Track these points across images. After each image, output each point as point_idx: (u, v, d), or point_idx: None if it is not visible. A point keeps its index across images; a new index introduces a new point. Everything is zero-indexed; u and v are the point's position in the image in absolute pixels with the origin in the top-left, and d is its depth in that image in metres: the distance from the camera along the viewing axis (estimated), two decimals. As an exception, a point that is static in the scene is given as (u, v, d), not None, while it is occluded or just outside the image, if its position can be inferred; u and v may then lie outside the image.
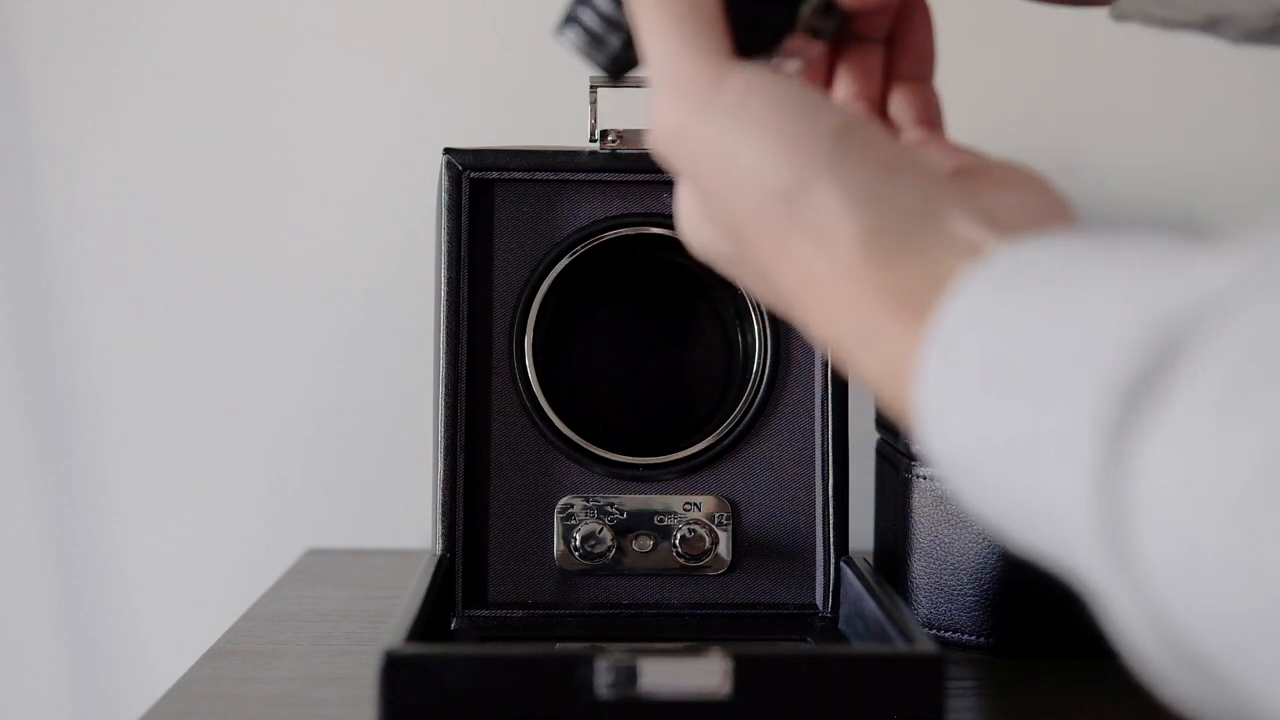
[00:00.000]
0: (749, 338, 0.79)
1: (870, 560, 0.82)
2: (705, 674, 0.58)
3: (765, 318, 0.79)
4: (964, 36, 0.88)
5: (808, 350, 0.79)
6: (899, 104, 0.59)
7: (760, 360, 0.79)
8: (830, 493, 0.78)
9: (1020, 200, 0.49)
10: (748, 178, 0.50)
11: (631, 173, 0.78)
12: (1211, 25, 0.72)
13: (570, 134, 0.81)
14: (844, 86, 0.58)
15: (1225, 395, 0.36)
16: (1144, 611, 0.39)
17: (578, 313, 0.80)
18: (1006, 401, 0.42)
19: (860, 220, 0.48)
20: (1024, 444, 0.42)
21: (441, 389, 0.77)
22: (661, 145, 0.52)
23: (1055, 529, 0.42)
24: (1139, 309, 0.39)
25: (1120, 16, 0.70)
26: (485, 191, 0.78)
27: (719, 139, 0.50)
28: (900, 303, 0.47)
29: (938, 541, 0.78)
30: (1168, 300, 0.39)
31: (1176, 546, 0.37)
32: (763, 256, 0.51)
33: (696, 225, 0.55)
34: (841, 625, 0.76)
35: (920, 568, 0.78)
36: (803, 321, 0.52)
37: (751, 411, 0.79)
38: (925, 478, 0.78)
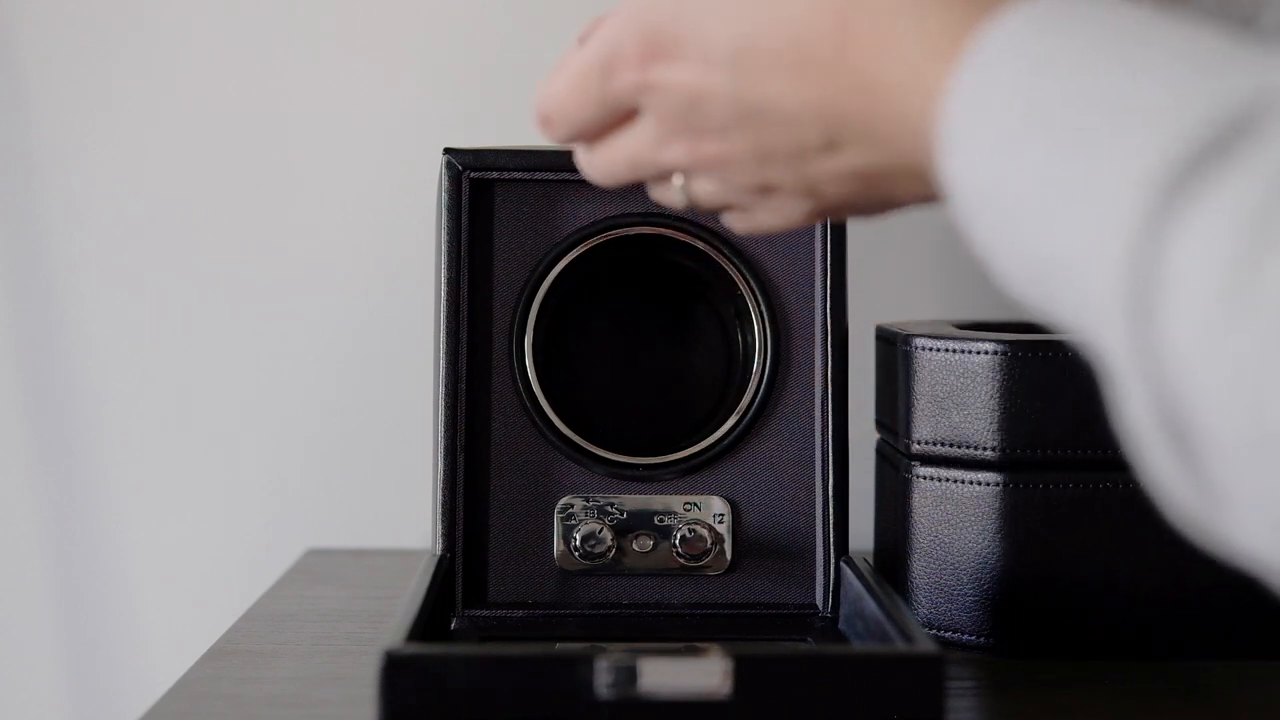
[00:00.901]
0: (749, 338, 0.79)
1: (870, 560, 0.82)
2: (705, 674, 0.58)
3: (765, 318, 0.79)
4: None
5: (808, 350, 0.79)
6: None
7: (760, 360, 0.79)
8: (830, 493, 0.78)
9: None
10: None
11: (631, 173, 0.78)
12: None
13: (570, 134, 0.81)
14: None
15: (1272, 202, 0.36)
16: (1151, 388, 0.39)
17: (578, 313, 0.80)
18: (1050, 140, 0.42)
19: None
20: (1061, 189, 0.41)
21: (441, 389, 0.77)
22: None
23: (1074, 287, 0.41)
24: (1209, 83, 0.39)
25: None
26: (485, 191, 0.78)
27: None
28: (939, 45, 0.47)
29: (938, 541, 0.78)
30: (1240, 81, 0.39)
31: (1198, 335, 0.37)
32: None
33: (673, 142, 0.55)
34: (841, 625, 0.76)
35: (920, 568, 0.78)
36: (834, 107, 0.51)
37: (751, 411, 0.79)
38: (926, 478, 0.78)
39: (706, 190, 0.57)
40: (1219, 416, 0.37)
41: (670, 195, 0.59)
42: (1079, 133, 0.41)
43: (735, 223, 0.59)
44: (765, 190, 0.56)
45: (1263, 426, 0.36)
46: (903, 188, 0.54)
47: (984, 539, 0.76)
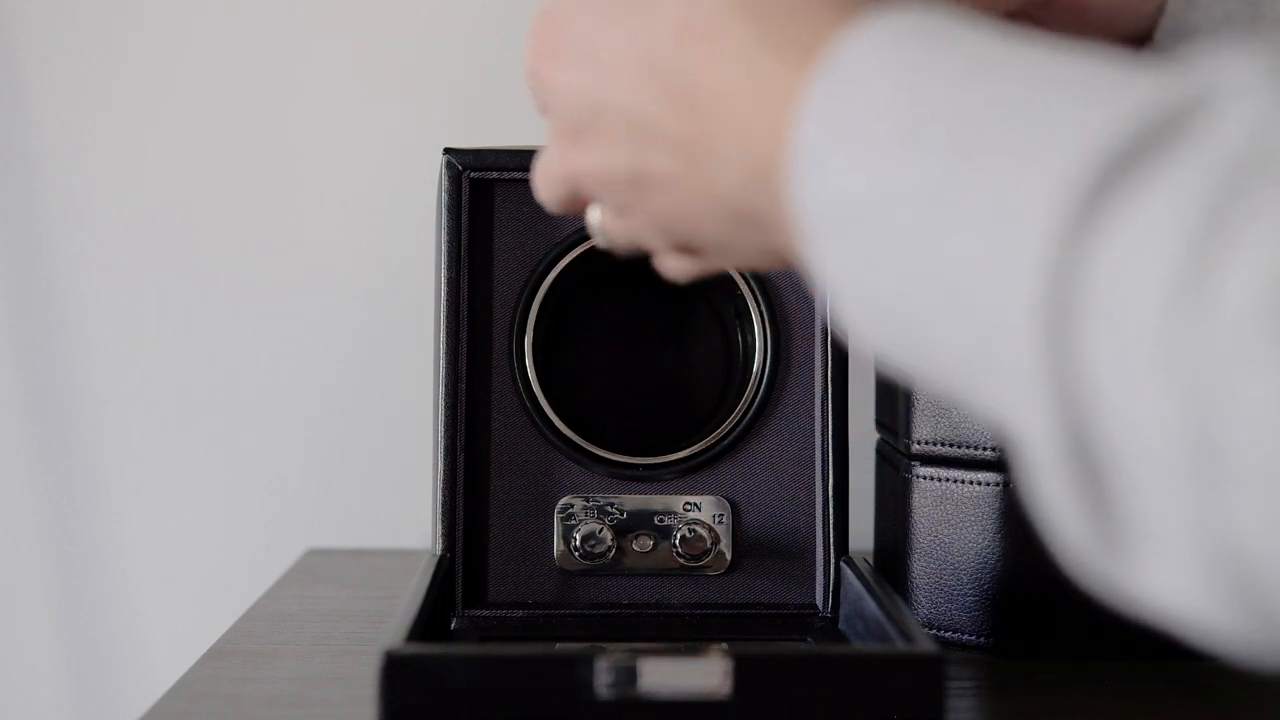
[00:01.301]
0: (749, 338, 0.79)
1: (870, 560, 0.82)
2: (705, 674, 0.58)
3: (765, 318, 0.79)
4: None
5: (808, 350, 0.79)
6: None
7: (760, 360, 0.79)
8: (830, 492, 0.78)
9: None
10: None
11: (631, 173, 0.78)
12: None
13: (570, 134, 0.81)
14: None
15: (1221, 196, 0.32)
16: (1063, 416, 0.34)
17: (578, 313, 0.80)
18: (939, 149, 0.37)
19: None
20: (955, 200, 0.36)
21: (441, 389, 0.77)
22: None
23: (973, 310, 0.36)
24: (1123, 87, 0.35)
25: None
26: (485, 191, 0.78)
27: None
28: (786, 50, 0.43)
29: (938, 541, 0.78)
30: (1157, 83, 0.35)
31: (1132, 352, 0.33)
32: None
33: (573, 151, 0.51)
34: (841, 625, 0.76)
35: (920, 568, 0.78)
36: (675, 132, 0.46)
37: (751, 411, 0.79)
38: (926, 478, 0.78)
39: (615, 224, 0.54)
40: (1151, 443, 0.33)
41: (594, 233, 0.56)
42: (976, 139, 0.36)
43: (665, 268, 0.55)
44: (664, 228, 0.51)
45: (1205, 450, 0.32)
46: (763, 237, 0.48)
47: (984, 539, 0.76)
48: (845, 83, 0.40)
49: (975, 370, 0.37)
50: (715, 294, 0.80)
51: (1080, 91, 0.36)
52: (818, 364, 0.79)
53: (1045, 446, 0.35)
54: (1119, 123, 0.34)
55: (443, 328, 0.77)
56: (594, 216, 0.56)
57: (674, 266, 0.54)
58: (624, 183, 0.50)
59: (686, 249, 0.52)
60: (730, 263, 0.54)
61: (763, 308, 0.78)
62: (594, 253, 0.78)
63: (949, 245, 0.37)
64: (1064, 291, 0.34)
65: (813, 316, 0.79)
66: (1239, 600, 0.33)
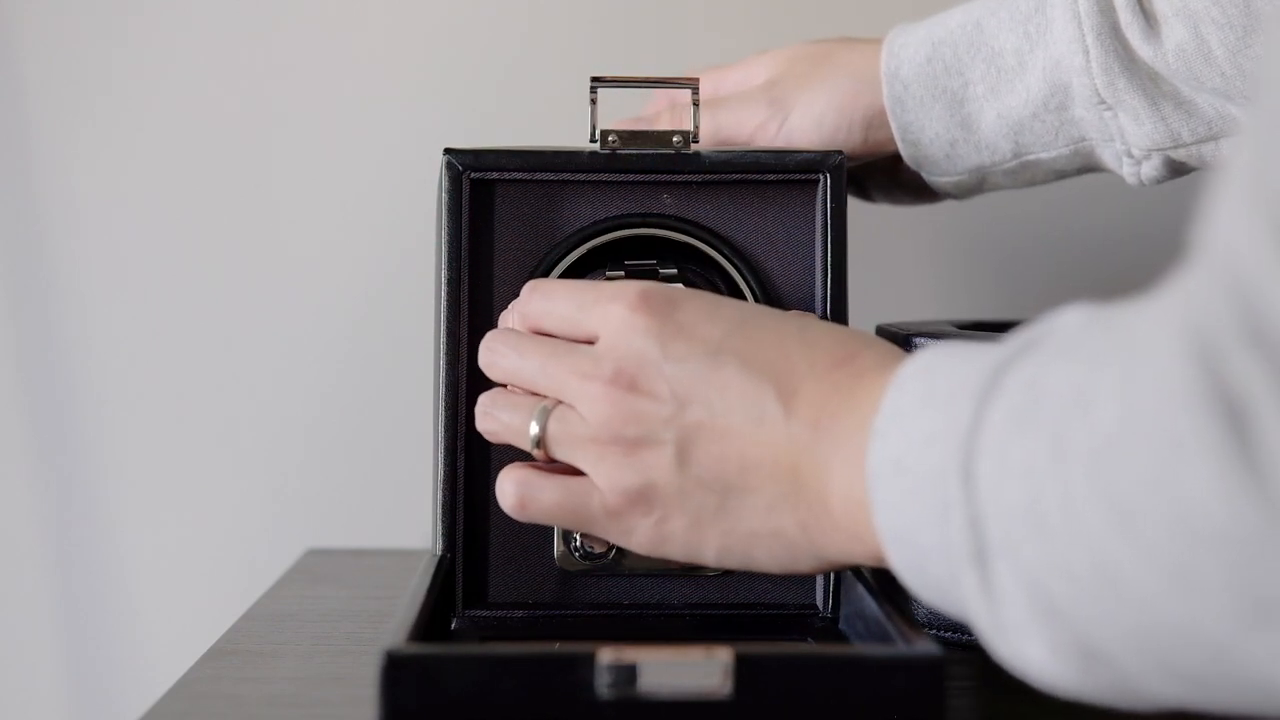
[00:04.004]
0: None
1: (870, 560, 0.82)
2: (705, 674, 0.58)
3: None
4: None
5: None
6: None
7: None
8: (830, 493, 0.78)
9: None
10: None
11: (631, 173, 0.77)
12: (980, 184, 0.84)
13: (570, 134, 0.81)
14: None
15: (1012, 412, 0.48)
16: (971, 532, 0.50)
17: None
18: (934, 409, 0.53)
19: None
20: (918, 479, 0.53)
21: (441, 389, 0.76)
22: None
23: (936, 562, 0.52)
24: (983, 362, 0.52)
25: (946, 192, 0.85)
26: (485, 191, 0.78)
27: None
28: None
29: (938, 541, 0.77)
30: (999, 352, 0.51)
31: (1018, 517, 0.48)
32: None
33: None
34: (841, 625, 0.76)
35: (920, 568, 0.78)
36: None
37: (751, 411, 0.78)
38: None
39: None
40: (959, 544, 0.50)
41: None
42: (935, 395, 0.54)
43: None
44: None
45: (978, 542, 0.50)
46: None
47: (984, 539, 0.76)
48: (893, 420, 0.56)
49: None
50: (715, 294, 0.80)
51: (968, 366, 0.53)
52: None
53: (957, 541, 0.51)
54: (974, 383, 0.51)
55: (443, 328, 0.77)
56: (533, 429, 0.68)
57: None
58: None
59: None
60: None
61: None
62: (594, 253, 0.78)
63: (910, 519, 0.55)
64: (966, 451, 0.50)
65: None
66: (1070, 651, 0.48)
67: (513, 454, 0.79)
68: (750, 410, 0.61)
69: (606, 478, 0.64)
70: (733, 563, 0.64)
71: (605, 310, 0.65)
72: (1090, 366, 0.46)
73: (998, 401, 0.49)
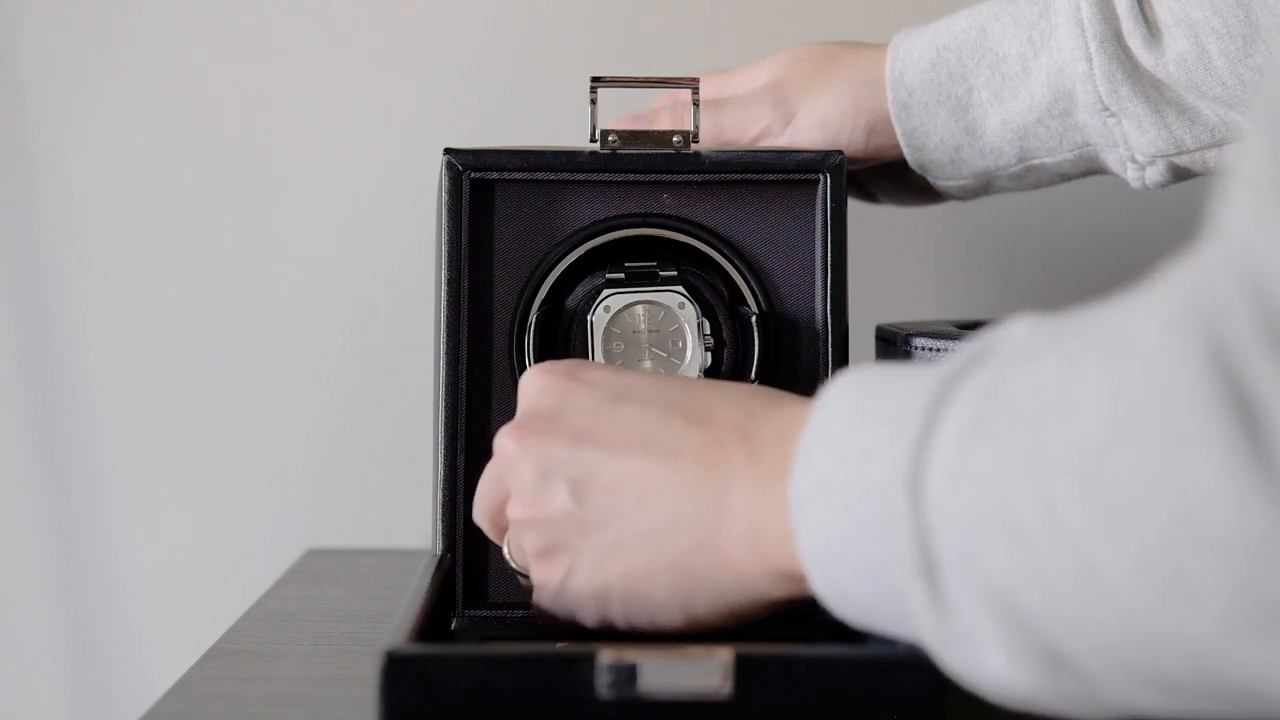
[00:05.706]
0: (747, 337, 0.79)
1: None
2: (705, 674, 0.58)
3: (764, 317, 0.78)
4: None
5: (808, 350, 0.79)
6: None
7: (759, 360, 0.79)
8: (830, 493, 0.77)
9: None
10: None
11: (631, 173, 0.77)
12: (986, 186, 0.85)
13: (570, 134, 0.81)
14: None
15: (969, 421, 0.47)
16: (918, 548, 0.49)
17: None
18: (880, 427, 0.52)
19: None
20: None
21: (441, 389, 0.76)
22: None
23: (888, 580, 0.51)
24: (927, 377, 0.51)
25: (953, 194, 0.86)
26: (485, 191, 0.78)
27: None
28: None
29: (938, 541, 0.77)
30: (946, 366, 0.50)
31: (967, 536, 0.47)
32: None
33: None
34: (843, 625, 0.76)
35: (920, 568, 0.78)
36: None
37: (752, 411, 0.78)
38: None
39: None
40: (911, 555, 0.49)
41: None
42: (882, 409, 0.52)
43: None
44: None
45: (926, 559, 0.49)
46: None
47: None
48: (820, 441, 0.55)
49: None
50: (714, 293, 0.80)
51: (914, 389, 0.52)
52: (819, 365, 0.79)
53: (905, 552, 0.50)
54: (925, 396, 0.50)
55: (443, 328, 0.77)
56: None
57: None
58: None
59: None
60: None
61: (762, 307, 0.78)
62: (594, 253, 0.78)
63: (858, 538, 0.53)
64: (915, 462, 0.49)
65: (812, 317, 0.79)
66: (1033, 659, 0.47)
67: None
68: (650, 441, 0.60)
69: (520, 534, 0.63)
70: (637, 607, 0.62)
71: (521, 383, 0.65)
72: (1064, 370, 0.45)
73: (949, 412, 0.48)
